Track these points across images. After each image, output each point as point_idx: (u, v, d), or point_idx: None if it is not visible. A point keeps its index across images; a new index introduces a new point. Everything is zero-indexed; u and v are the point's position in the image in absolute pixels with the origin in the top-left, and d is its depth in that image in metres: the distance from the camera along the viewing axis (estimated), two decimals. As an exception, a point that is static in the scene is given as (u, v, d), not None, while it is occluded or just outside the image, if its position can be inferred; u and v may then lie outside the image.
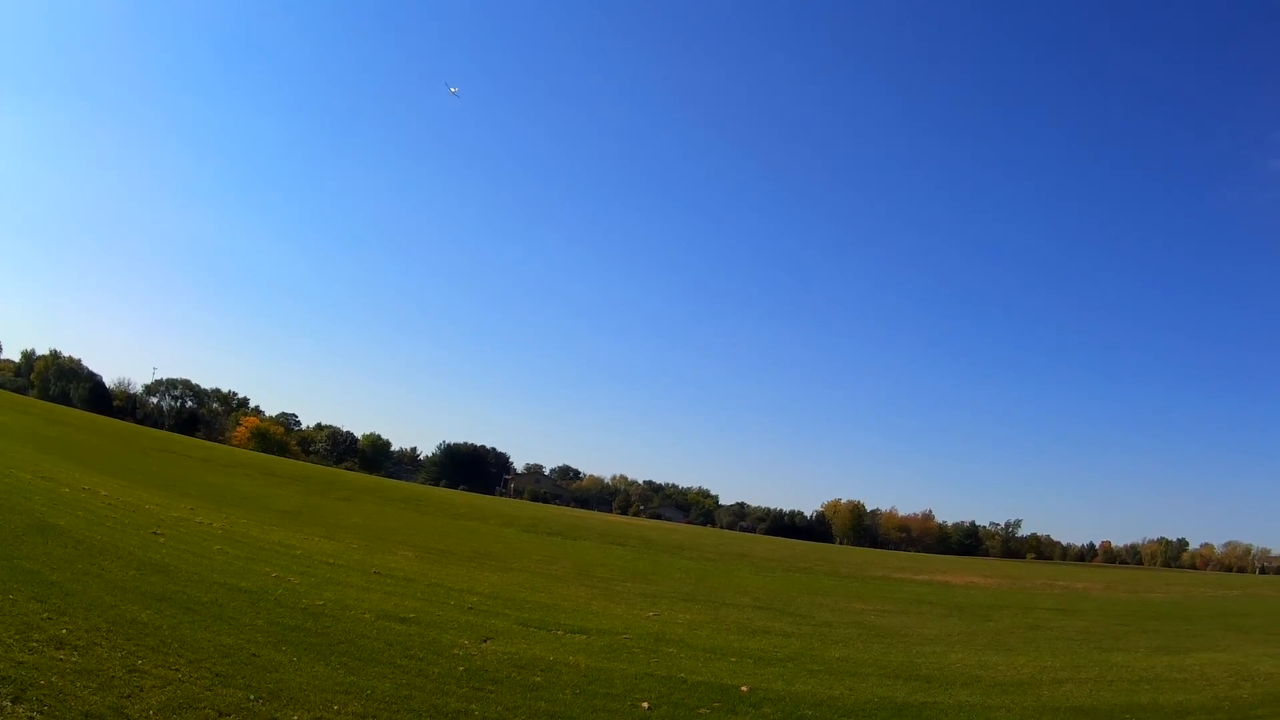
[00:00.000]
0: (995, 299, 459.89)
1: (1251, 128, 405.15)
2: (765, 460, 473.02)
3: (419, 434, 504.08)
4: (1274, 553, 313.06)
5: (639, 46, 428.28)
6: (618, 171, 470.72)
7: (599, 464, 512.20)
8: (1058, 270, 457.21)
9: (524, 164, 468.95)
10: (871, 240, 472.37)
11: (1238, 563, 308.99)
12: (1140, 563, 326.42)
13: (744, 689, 20.52)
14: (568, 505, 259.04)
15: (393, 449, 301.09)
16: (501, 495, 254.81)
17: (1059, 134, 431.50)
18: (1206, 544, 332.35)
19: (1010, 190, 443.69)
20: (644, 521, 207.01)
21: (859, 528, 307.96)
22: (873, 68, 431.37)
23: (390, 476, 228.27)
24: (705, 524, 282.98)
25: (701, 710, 18.12)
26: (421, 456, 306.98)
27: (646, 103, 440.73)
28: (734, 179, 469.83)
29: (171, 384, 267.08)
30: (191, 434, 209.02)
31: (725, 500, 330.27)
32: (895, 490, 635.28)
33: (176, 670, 14.67)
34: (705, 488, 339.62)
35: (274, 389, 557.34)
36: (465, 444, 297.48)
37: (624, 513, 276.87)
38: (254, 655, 16.59)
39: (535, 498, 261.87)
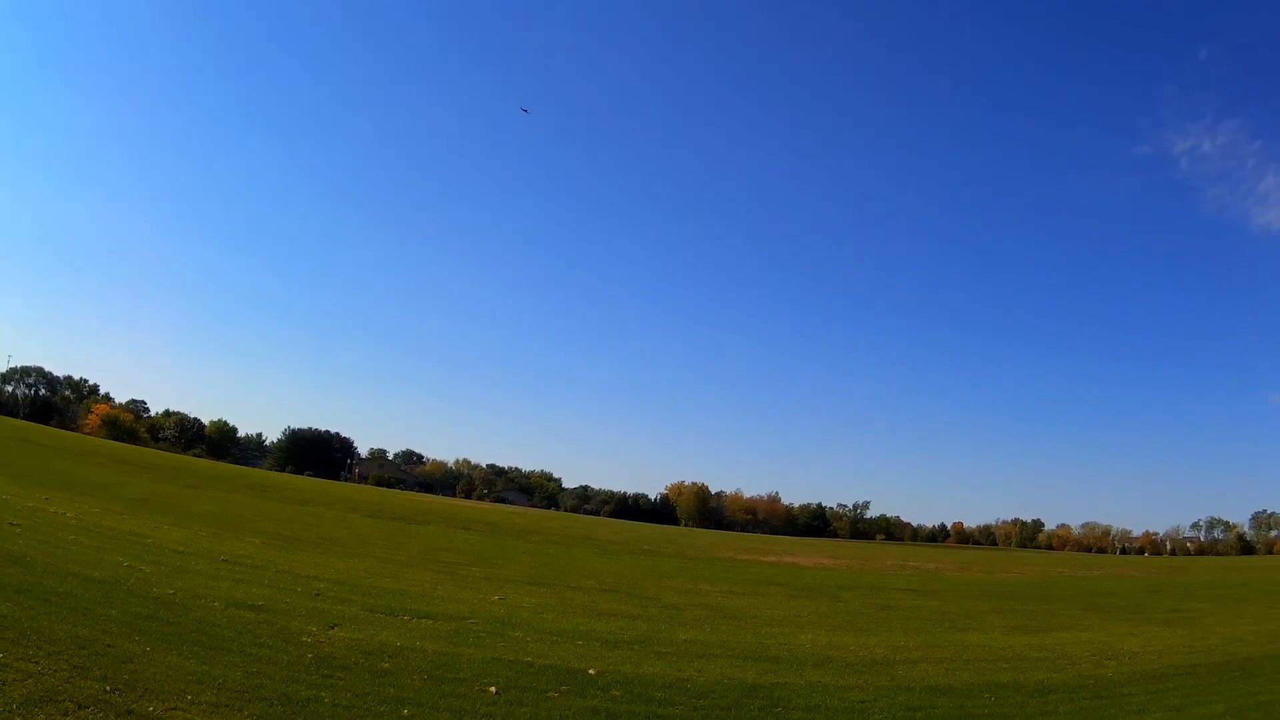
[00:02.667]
0: (843, 283, 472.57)
1: (1115, 115, 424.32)
2: (609, 443, 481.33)
3: (265, 420, 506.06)
4: (1135, 534, 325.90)
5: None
6: (439, 163, 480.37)
7: (442, 448, 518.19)
8: (911, 254, 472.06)
9: (364, 159, 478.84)
10: (715, 222, 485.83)
11: (1097, 543, 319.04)
12: (995, 543, 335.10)
13: (592, 671, 20.66)
14: (412, 490, 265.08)
15: (239, 435, 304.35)
16: (346, 480, 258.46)
17: (914, 124, 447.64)
18: (1064, 525, 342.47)
19: (868, 179, 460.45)
20: (488, 505, 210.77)
21: (704, 510, 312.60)
22: (735, 64, 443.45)
23: (237, 463, 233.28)
24: (549, 507, 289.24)
25: (550, 693, 18.19)
26: (268, 442, 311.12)
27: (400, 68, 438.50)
28: (549, 162, 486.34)
29: (25, 372, 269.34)
30: (46, 422, 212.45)
31: (569, 483, 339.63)
32: (741, 472, 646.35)
33: (36, 663, 14.88)
34: (549, 471, 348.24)
35: (124, 375, 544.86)
36: (310, 429, 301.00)
37: (468, 497, 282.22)
38: (110, 646, 16.76)
39: (380, 483, 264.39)
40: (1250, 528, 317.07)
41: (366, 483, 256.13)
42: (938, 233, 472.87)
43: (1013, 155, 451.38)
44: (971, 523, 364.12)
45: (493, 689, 17.91)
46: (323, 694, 15.89)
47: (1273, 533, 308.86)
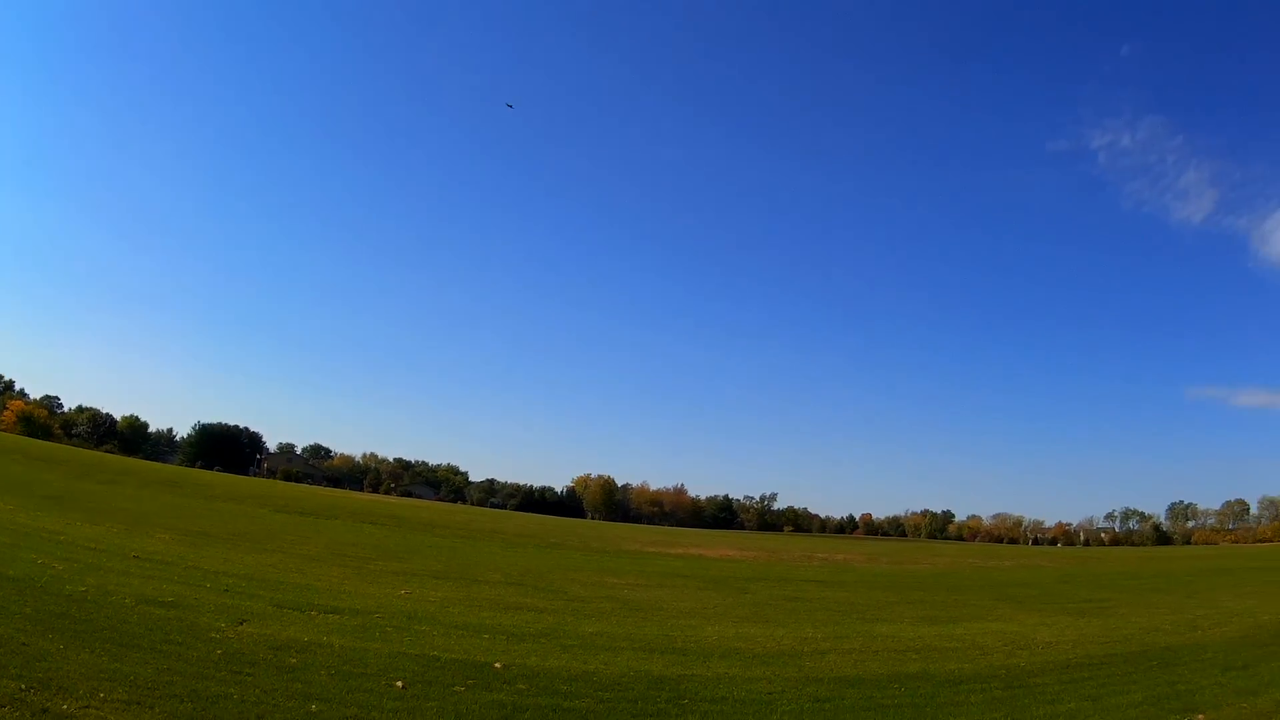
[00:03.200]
0: (747, 273, 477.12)
1: (1032, 110, 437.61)
2: (515, 437, 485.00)
3: (175, 415, 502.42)
4: (1048, 524, 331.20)
5: None
6: (333, 159, 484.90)
7: (350, 442, 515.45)
8: (822, 243, 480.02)
9: (263, 155, 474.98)
10: (619, 214, 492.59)
11: (1008, 534, 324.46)
12: (904, 535, 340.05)
13: (498, 665, 20.56)
14: (320, 484, 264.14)
15: (150, 431, 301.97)
16: (255, 475, 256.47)
17: (827, 112, 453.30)
18: (974, 516, 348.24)
19: (777, 169, 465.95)
20: (395, 499, 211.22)
21: (611, 502, 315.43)
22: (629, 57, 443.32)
23: (149, 458, 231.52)
24: (456, 501, 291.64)
25: (456, 688, 18.06)
26: (178, 437, 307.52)
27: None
28: (441, 155, 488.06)
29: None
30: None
31: (475, 477, 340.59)
32: (648, 465, 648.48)
33: (-47, 664, 14.96)
34: (455, 464, 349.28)
35: (37, 371, 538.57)
36: (219, 424, 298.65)
37: (375, 491, 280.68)
38: (24, 644, 16.84)
39: (288, 477, 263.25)
40: (1166, 519, 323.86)
41: (275, 477, 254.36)
42: (848, 222, 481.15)
43: (927, 147, 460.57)
44: (880, 514, 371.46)
45: (399, 683, 17.80)
46: (231, 690, 15.74)
47: (1190, 523, 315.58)
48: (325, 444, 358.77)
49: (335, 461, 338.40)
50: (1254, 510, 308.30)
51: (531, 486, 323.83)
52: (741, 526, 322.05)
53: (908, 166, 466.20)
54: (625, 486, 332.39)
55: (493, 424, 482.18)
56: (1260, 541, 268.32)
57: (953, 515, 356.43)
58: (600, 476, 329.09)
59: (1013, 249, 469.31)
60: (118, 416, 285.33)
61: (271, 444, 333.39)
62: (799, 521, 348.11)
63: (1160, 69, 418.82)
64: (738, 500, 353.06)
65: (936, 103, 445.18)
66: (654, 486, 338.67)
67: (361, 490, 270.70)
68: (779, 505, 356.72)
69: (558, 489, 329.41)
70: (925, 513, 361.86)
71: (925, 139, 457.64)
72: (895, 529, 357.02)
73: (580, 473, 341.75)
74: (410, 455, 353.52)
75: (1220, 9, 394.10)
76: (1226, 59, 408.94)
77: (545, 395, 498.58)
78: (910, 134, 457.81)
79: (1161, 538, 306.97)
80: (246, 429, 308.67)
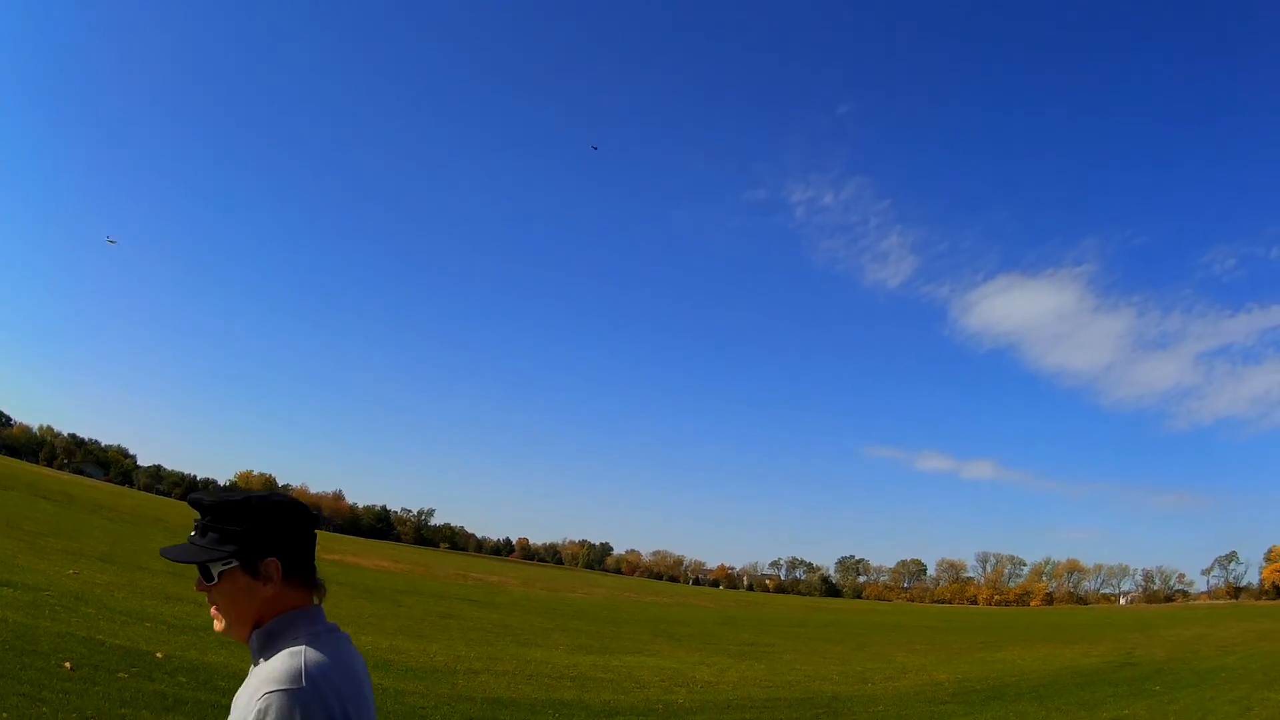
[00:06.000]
0: (416, 285, 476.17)
1: (734, 156, 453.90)
2: (183, 422, 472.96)
3: None
4: (709, 565, 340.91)
5: None
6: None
7: (29, 413, 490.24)
8: (500, 269, 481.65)
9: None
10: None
11: (668, 571, 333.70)
12: (561, 562, 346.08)
13: (159, 655, 20.58)
14: None
15: None
16: None
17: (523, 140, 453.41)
18: (633, 550, 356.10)
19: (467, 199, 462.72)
20: (68, 476, 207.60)
21: None
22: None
23: None
24: (124, 484, 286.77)
25: (120, 674, 17.99)
26: None
27: None
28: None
29: None
30: None
31: (144, 461, 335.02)
32: (308, 467, 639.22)
33: None
34: (125, 447, 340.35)
35: None
36: None
37: (50, 465, 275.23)
38: None
39: None
40: (835, 572, 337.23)
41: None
42: (535, 249, 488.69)
43: (622, 182, 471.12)
44: (538, 540, 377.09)
45: (68, 664, 17.74)
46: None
47: (861, 578, 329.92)
48: (7, 412, 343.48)
49: (14, 431, 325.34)
50: (931, 571, 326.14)
51: (195, 476, 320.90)
52: (398, 539, 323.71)
53: (591, 195, 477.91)
54: (286, 487, 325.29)
55: (162, 410, 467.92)
56: (938, 602, 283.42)
57: (611, 548, 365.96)
58: (262, 474, 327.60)
59: (700, 291, 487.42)
60: None
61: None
62: (455, 539, 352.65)
63: (875, 132, 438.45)
64: (395, 512, 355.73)
65: (631, 132, 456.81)
66: (314, 490, 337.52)
67: (37, 463, 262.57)
68: (436, 521, 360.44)
69: (221, 481, 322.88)
70: (584, 542, 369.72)
71: (615, 166, 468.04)
72: (552, 556, 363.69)
73: (244, 468, 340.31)
74: (85, 433, 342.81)
75: (939, 83, 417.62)
76: (941, 129, 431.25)
77: (211, 385, 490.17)
78: (603, 169, 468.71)
79: (830, 590, 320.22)
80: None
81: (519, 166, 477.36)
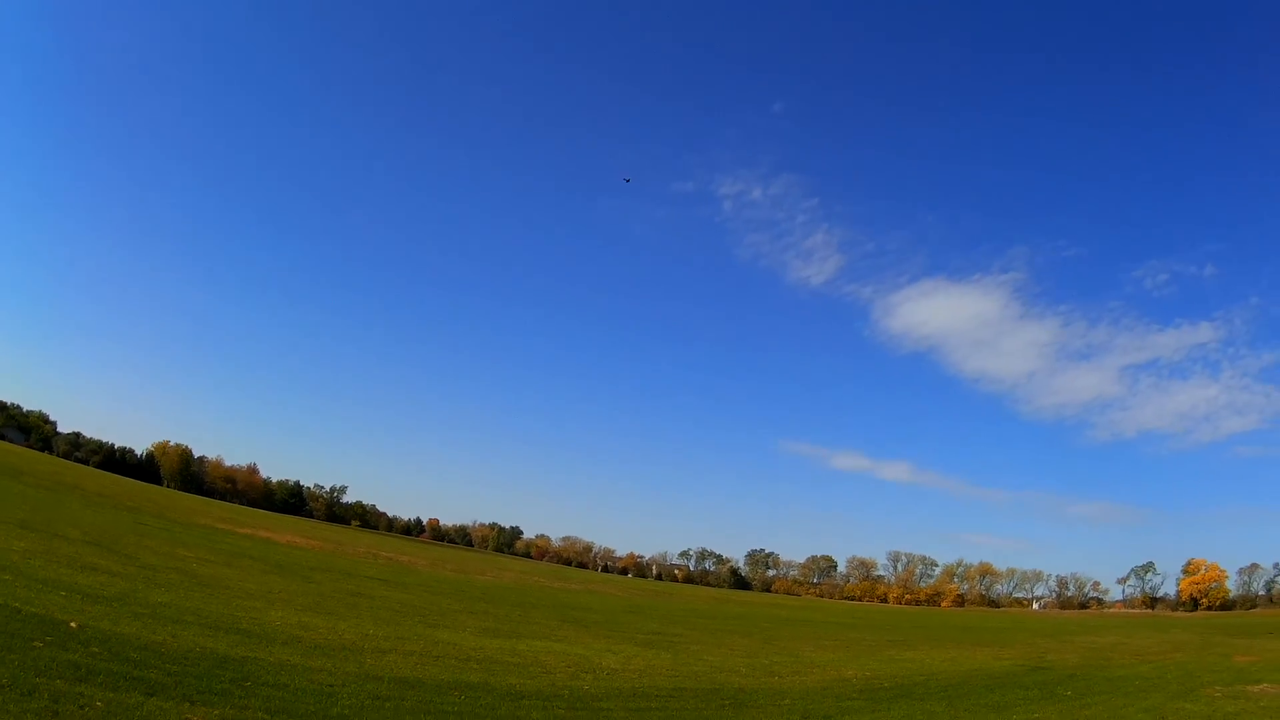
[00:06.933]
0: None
1: (664, 148, 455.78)
2: (105, 391, 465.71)
3: None
4: (618, 553, 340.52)
5: None
6: None
7: None
8: (435, 254, 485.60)
9: None
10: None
11: (578, 557, 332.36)
12: (471, 544, 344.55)
13: (73, 625, 20.65)
14: None
15: None
16: None
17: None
18: (543, 535, 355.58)
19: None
20: None
21: (187, 473, 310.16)
22: None
23: None
24: (43, 450, 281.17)
25: (35, 643, 18.06)
26: None
27: None
28: None
29: None
30: None
31: (64, 428, 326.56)
32: (225, 438, 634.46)
33: None
34: (45, 412, 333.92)
35: None
36: None
37: None
38: None
39: None
40: (745, 565, 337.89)
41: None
42: (457, 232, 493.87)
43: (544, 171, 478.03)
44: (449, 521, 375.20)
45: None
46: None
47: (770, 572, 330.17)
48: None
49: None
50: (842, 568, 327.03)
51: (114, 446, 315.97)
52: (310, 515, 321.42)
53: (516, 179, 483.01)
54: (202, 459, 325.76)
55: (84, 377, 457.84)
56: (848, 599, 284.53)
57: (520, 532, 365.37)
58: (179, 445, 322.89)
59: (623, 280, 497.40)
60: None
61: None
62: (367, 517, 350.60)
63: (808, 132, 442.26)
64: (308, 488, 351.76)
65: (561, 119, 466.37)
66: (229, 462, 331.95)
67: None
68: (348, 498, 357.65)
69: (138, 451, 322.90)
70: (494, 525, 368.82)
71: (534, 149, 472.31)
72: (463, 538, 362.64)
73: (161, 437, 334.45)
74: (7, 396, 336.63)
75: (875, 86, 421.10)
76: (875, 131, 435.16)
77: (133, 355, 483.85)
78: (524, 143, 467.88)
79: (739, 582, 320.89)
80: None
81: (444, 146, 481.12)
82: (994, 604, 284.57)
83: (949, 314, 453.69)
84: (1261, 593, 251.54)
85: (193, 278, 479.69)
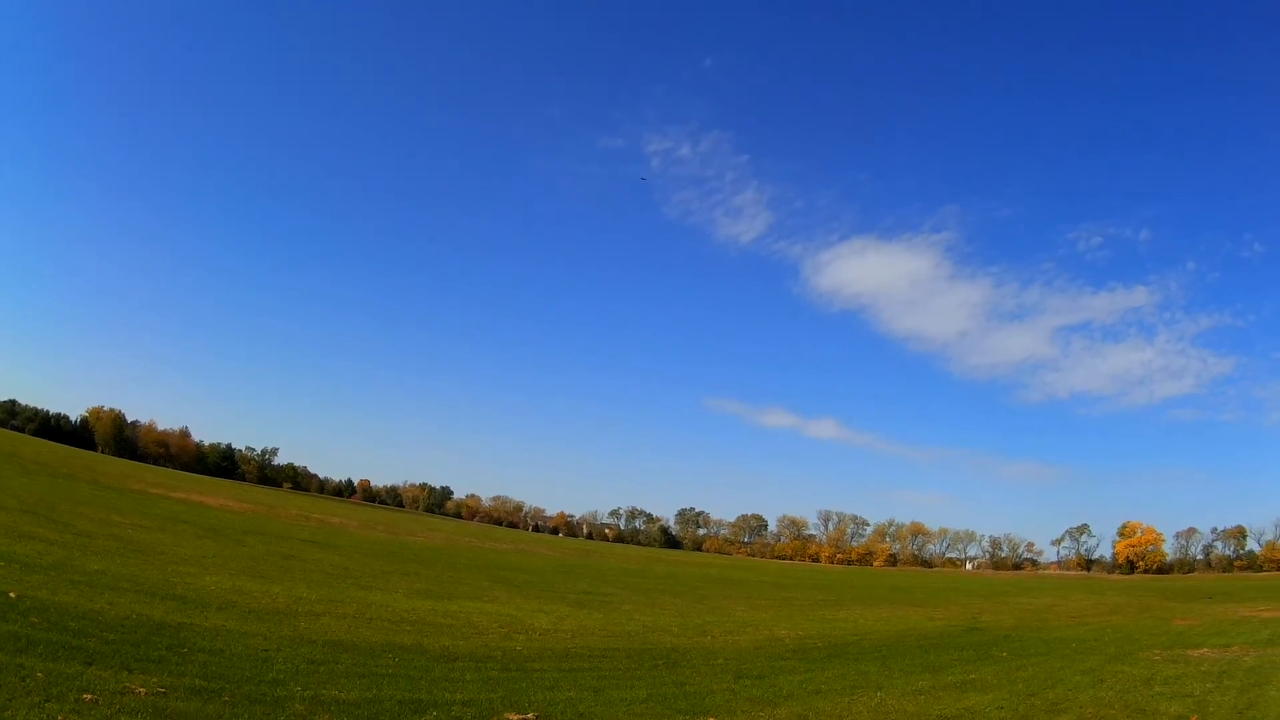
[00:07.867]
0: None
1: (590, 105, 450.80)
2: (37, 357, 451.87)
3: None
4: (549, 513, 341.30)
5: None
6: None
7: None
8: (381, 217, 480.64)
9: None
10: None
11: (508, 517, 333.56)
12: (402, 505, 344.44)
13: (13, 595, 20.79)
14: None
15: None
16: None
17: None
18: (474, 495, 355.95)
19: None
20: None
21: (121, 438, 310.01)
22: None
23: None
24: None
25: None
26: None
27: None
28: None
29: None
30: None
31: None
32: (157, 403, 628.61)
33: None
34: None
35: None
36: None
37: None
38: None
39: None
40: (675, 524, 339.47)
41: None
42: (386, 189, 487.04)
43: (468, 135, 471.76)
44: (379, 482, 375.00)
45: None
46: None
47: (701, 530, 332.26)
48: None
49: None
50: (773, 528, 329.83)
51: (49, 412, 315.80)
52: (242, 478, 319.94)
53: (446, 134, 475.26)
54: (135, 424, 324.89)
55: (14, 343, 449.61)
56: (779, 558, 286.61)
57: (451, 492, 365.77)
58: (112, 410, 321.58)
59: (551, 236, 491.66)
60: None
61: None
62: (298, 479, 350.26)
63: (740, 88, 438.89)
64: (240, 451, 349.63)
65: (489, 73, 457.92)
66: (161, 426, 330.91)
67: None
68: (280, 460, 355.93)
69: (73, 417, 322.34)
70: (424, 486, 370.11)
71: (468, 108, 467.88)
72: (394, 499, 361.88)
73: (95, 403, 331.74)
74: None
75: (807, 44, 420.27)
76: (806, 89, 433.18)
77: (64, 320, 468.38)
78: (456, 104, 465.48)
79: (670, 541, 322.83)
80: None
81: (373, 98, 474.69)
82: (927, 564, 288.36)
83: (879, 273, 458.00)
84: (1199, 557, 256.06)
85: (122, 240, 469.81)
